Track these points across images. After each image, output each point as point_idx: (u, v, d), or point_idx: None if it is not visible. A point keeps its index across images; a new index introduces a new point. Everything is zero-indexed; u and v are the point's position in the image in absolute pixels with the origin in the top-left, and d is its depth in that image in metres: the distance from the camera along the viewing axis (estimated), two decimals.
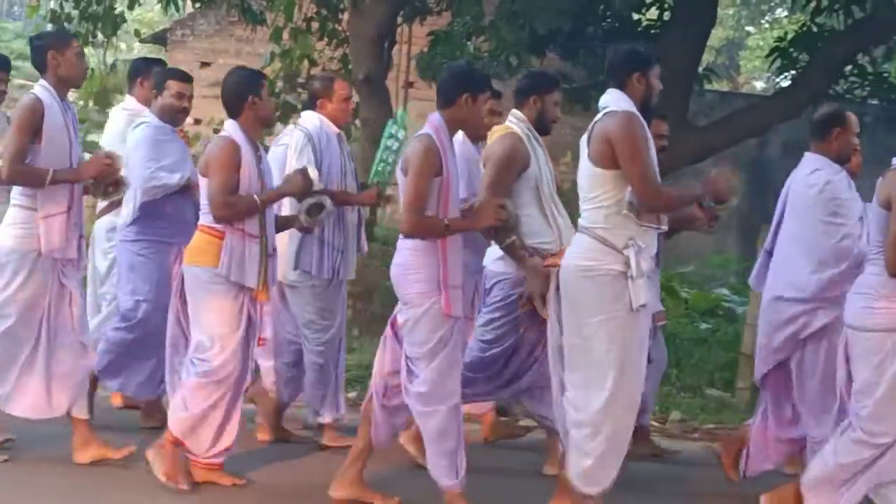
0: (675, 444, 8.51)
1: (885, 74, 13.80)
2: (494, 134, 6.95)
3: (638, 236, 5.84)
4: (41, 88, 6.70)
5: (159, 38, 20.44)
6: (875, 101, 13.85)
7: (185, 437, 6.47)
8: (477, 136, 7.15)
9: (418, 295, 6.11)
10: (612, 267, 5.80)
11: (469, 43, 12.57)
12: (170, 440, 6.49)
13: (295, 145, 7.45)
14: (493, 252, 6.97)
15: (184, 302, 6.58)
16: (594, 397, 5.84)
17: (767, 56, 14.55)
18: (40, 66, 6.78)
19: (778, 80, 17.91)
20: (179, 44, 19.30)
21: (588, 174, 5.91)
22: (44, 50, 6.74)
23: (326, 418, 7.62)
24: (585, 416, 5.87)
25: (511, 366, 6.88)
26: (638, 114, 5.87)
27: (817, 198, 6.75)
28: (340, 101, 7.64)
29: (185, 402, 6.45)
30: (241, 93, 6.53)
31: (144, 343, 7.45)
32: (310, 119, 7.58)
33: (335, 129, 7.61)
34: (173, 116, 7.61)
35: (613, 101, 5.94)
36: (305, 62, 12.89)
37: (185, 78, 7.71)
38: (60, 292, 6.73)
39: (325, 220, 7.02)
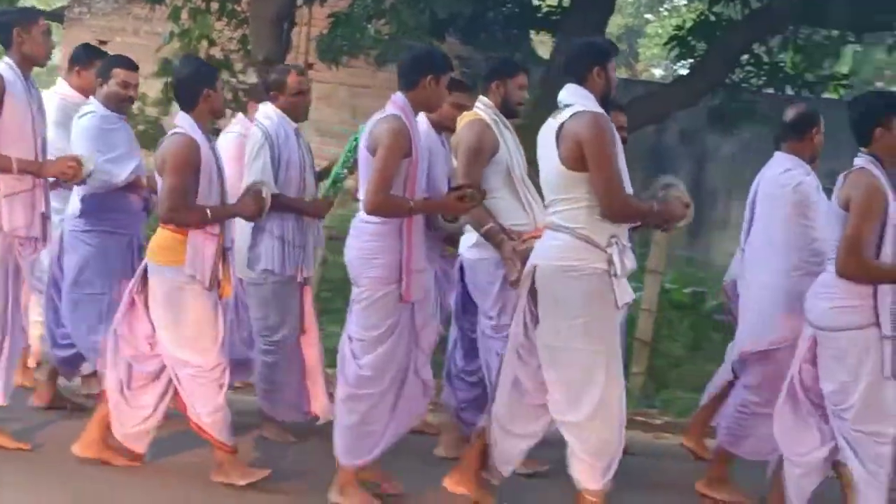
0: None
1: (781, 64, 13.98)
2: (462, 121, 6.99)
3: (620, 234, 5.81)
4: (4, 65, 6.60)
5: (56, 16, 20.11)
6: (770, 91, 14.03)
7: (228, 437, 6.47)
8: (442, 126, 7.16)
9: (376, 280, 6.10)
10: (597, 265, 5.73)
11: (369, 26, 12.53)
12: (221, 449, 6.47)
13: (251, 144, 7.29)
14: (467, 240, 7.04)
15: (141, 295, 6.47)
16: (583, 400, 5.78)
17: (666, 44, 14.70)
18: (5, 43, 6.67)
19: (676, 68, 18.05)
20: (76, 21, 19.02)
21: (560, 174, 5.80)
22: (9, 26, 6.63)
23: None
24: (572, 418, 5.82)
25: None
26: (604, 113, 5.81)
27: (789, 198, 6.67)
28: (292, 95, 7.45)
29: (209, 408, 6.41)
30: (198, 85, 6.42)
31: None
32: (266, 114, 7.41)
33: (293, 124, 7.44)
34: (119, 105, 7.47)
35: (577, 98, 5.86)
36: (204, 42, 12.74)
37: (132, 66, 7.56)
38: (17, 272, 6.66)
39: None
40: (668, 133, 18.09)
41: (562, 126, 5.78)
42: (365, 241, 6.14)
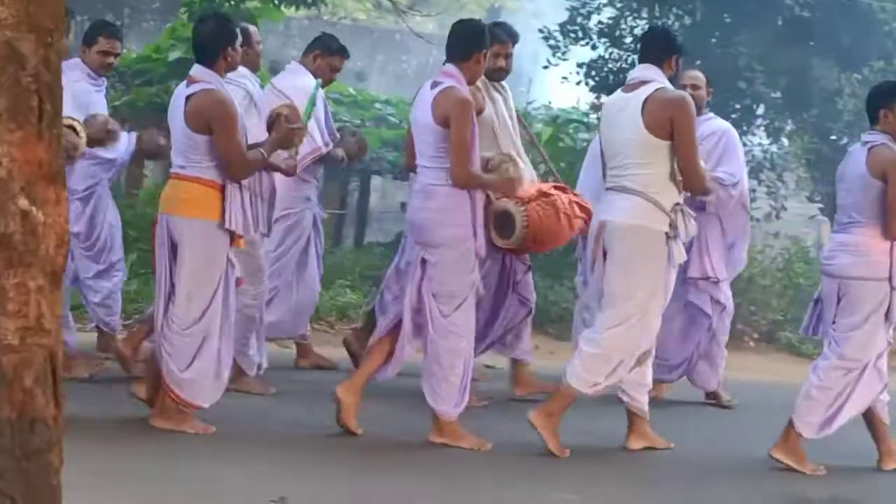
0: None
1: None
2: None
3: (681, 202, 6.53)
4: None
5: None
6: None
7: (195, 397, 6.39)
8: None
9: (454, 238, 6.43)
10: (661, 227, 6.41)
11: None
12: (173, 398, 6.35)
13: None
14: None
15: (171, 252, 6.41)
16: (615, 327, 6.45)
17: None
18: None
19: None
20: None
21: (642, 140, 6.40)
22: None
23: None
24: (600, 337, 6.48)
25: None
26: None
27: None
28: (257, 44, 7.60)
29: (179, 362, 6.32)
30: (219, 44, 6.42)
31: None
32: (241, 73, 7.18)
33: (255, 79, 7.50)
34: (101, 70, 7.72)
35: (656, 76, 6.54)
36: None
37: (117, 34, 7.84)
38: None
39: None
40: None
41: (647, 99, 6.39)
42: (440, 201, 6.45)
